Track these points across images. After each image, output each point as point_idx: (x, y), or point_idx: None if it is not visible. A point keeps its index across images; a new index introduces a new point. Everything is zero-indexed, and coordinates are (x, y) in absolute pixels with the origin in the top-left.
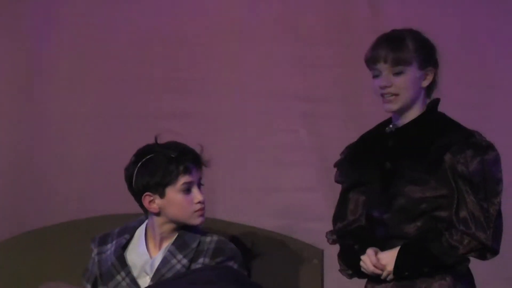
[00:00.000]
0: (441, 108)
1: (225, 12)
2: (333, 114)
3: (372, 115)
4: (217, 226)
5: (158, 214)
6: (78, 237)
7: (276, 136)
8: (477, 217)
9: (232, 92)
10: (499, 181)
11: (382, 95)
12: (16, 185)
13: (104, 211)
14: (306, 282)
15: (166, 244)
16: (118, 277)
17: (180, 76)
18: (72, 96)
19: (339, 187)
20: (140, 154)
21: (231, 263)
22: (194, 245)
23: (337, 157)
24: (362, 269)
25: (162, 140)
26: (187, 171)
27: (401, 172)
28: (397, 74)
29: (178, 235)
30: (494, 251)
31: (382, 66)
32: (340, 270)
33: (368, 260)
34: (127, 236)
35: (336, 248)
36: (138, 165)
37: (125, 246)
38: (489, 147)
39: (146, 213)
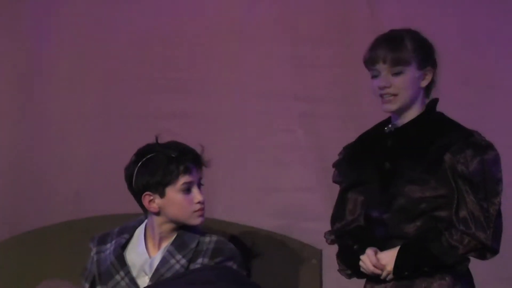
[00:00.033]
0: (440, 108)
1: (225, 12)
2: (333, 114)
3: (372, 115)
4: (216, 226)
5: (157, 213)
6: (77, 237)
7: (276, 136)
8: (477, 217)
9: (232, 92)
10: (499, 181)
11: (381, 95)
12: (15, 185)
13: (103, 211)
14: (305, 282)
15: (165, 244)
16: (117, 277)
17: (180, 76)
18: (72, 96)
19: (338, 187)
20: (141, 153)
21: (230, 263)
22: (193, 245)
23: (336, 157)
24: (361, 269)
25: (162, 140)
26: (187, 171)
27: (401, 172)
28: (396, 74)
29: (177, 235)
30: (494, 251)
31: (381, 67)
32: (339, 270)
33: (368, 260)
34: (126, 235)
35: (334, 248)
36: (139, 164)
37: (124, 246)
38: (489, 146)
39: (146, 212)
